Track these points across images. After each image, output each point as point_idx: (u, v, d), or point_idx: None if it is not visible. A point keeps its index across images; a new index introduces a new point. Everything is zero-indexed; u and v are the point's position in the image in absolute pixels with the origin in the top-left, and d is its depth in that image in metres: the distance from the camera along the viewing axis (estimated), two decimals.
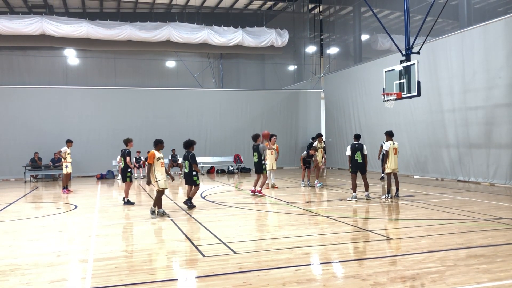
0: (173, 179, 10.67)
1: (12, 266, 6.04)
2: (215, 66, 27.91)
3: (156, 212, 9.87)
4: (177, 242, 7.36)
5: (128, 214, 10.60)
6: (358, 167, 11.85)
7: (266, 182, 14.47)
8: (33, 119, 21.82)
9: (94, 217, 10.21)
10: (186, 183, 11.29)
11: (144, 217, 9.97)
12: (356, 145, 11.89)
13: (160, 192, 9.91)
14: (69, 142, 15.44)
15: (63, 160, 15.46)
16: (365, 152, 11.93)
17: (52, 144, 21.50)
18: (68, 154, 15.32)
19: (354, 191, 11.86)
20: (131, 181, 12.27)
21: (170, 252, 6.72)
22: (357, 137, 12.20)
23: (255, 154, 13.45)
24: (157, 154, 9.96)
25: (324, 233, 7.87)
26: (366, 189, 12.00)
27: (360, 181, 12.03)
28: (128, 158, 12.27)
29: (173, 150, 22.32)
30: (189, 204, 11.04)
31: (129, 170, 12.26)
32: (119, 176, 21.14)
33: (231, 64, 28.49)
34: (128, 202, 11.95)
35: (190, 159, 10.91)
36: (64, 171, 15.41)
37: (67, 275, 5.76)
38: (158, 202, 9.89)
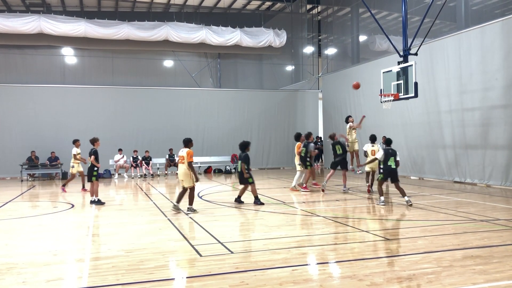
0: (197, 178, 10.42)
1: (8, 265, 6.02)
2: (213, 66, 27.90)
3: (192, 209, 10.20)
4: (174, 241, 7.36)
5: (126, 213, 10.59)
6: (391, 173, 11.18)
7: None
8: (30, 117, 21.77)
9: (91, 216, 10.20)
10: (240, 183, 11.75)
11: (142, 216, 9.97)
12: (390, 151, 11.30)
13: (193, 189, 10.27)
14: (76, 142, 15.24)
15: (73, 160, 15.19)
16: (398, 158, 11.47)
17: (49, 143, 21.48)
18: (78, 154, 15.12)
19: (382, 195, 11.24)
20: (97, 180, 12.02)
21: (167, 252, 6.71)
22: (389, 142, 11.71)
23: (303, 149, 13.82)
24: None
25: (321, 234, 7.88)
26: (404, 195, 11.11)
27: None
28: (93, 157, 12.08)
29: (171, 150, 22.29)
30: (257, 201, 11.45)
31: (95, 169, 12.00)
32: (116, 175, 21.24)
33: (229, 64, 28.49)
34: (98, 202, 11.72)
35: (243, 159, 11.40)
36: (70, 170, 15.34)
37: (63, 274, 5.75)
38: (192, 198, 10.25)
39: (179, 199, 10.37)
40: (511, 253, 6.26)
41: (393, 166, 11.17)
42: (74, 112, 22.38)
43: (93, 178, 11.95)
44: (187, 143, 10.32)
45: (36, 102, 21.94)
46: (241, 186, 11.82)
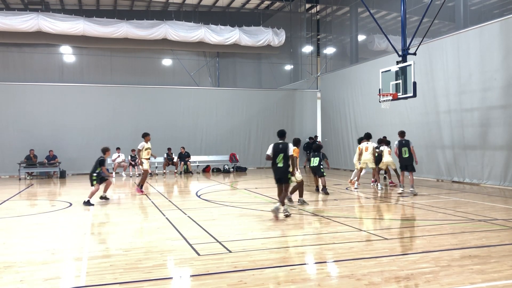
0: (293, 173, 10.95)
1: (6, 264, 6.01)
2: (212, 65, 27.88)
3: (302, 200, 11.01)
4: (172, 240, 7.35)
5: (124, 212, 10.57)
6: (404, 162, 12.53)
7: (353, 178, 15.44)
8: (29, 116, 21.73)
9: (88, 215, 10.19)
10: (316, 176, 13.16)
11: (140, 215, 9.95)
12: (403, 142, 12.56)
13: (302, 183, 10.98)
14: (146, 136, 14.08)
15: (139, 158, 14.04)
16: (411, 145, 12.68)
17: (47, 141, 21.44)
18: (146, 149, 13.95)
19: (402, 182, 12.94)
20: (98, 183, 11.91)
21: (165, 251, 6.70)
22: (403, 134, 12.85)
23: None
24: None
25: (319, 233, 7.88)
26: (411, 185, 12.71)
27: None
28: (104, 168, 12.03)
29: (169, 149, 22.28)
30: (325, 191, 12.94)
31: (94, 174, 11.88)
32: (114, 174, 21.21)
33: (228, 63, 28.47)
34: (88, 203, 11.56)
35: (322, 155, 12.88)
36: (141, 167, 14.20)
37: (61, 273, 5.73)
38: (302, 191, 11.02)
39: (292, 193, 11.13)
40: (509, 253, 6.27)
41: (405, 155, 12.40)
42: (72, 110, 22.35)
43: (94, 182, 11.86)
44: (297, 143, 10.75)
45: (34, 100, 21.89)
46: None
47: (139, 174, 21.21)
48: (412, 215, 10.01)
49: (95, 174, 11.91)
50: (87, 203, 11.58)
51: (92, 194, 11.77)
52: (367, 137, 14.58)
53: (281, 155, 9.27)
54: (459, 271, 5.47)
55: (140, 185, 13.85)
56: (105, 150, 12.28)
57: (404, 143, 12.60)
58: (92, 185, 11.92)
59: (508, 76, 13.93)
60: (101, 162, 11.97)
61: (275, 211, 9.13)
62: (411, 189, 12.72)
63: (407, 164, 12.61)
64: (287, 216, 9.23)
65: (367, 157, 14.24)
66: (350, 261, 5.98)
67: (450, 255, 6.21)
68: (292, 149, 9.32)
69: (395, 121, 18.70)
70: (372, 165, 14.30)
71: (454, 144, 16.06)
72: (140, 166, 14.22)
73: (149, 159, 14.17)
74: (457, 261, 5.92)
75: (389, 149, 14.46)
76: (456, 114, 15.93)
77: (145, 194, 13.52)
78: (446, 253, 6.31)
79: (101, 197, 12.33)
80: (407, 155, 12.47)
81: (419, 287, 4.98)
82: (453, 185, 15.39)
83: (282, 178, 9.40)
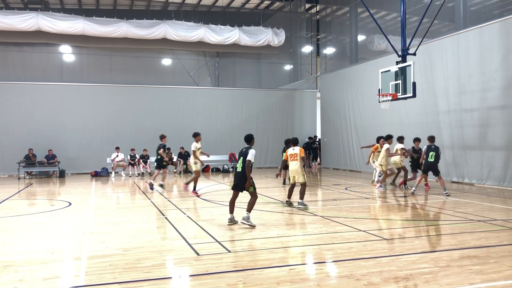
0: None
1: (5, 263, 6.01)
2: (211, 65, 27.88)
3: (303, 203, 10.50)
4: (172, 240, 7.35)
5: (124, 212, 10.57)
6: (428, 165, 12.69)
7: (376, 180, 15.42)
8: (28, 115, 21.71)
9: (88, 214, 10.18)
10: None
11: (140, 215, 9.95)
12: (432, 147, 12.74)
13: (305, 185, 10.61)
14: (197, 136, 13.61)
15: (193, 157, 13.52)
16: (440, 152, 12.85)
17: (46, 140, 21.43)
18: (198, 149, 13.55)
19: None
20: (165, 167, 14.89)
21: (164, 250, 6.70)
22: (432, 139, 12.98)
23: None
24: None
25: (318, 233, 7.88)
26: (443, 186, 12.67)
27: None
28: (161, 150, 14.49)
29: (168, 149, 22.23)
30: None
31: (164, 160, 14.63)
32: (114, 174, 21.21)
33: (227, 63, 28.46)
34: (161, 186, 14.52)
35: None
36: (194, 168, 13.62)
37: (60, 272, 5.73)
38: (303, 193, 10.57)
39: (289, 195, 10.87)
40: (508, 253, 6.28)
41: (430, 160, 12.57)
42: (72, 110, 22.34)
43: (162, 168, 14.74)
44: (296, 142, 10.78)
45: (34, 99, 21.88)
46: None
47: (138, 174, 21.23)
48: (412, 215, 10.01)
49: (164, 160, 14.50)
50: (159, 186, 14.31)
51: (160, 177, 14.73)
52: (389, 138, 14.78)
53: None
54: (458, 272, 5.47)
55: (193, 187, 13.54)
56: (162, 137, 14.65)
57: (433, 148, 12.75)
58: (158, 168, 14.68)
59: (508, 77, 13.93)
60: (158, 148, 14.30)
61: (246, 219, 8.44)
62: (445, 192, 12.61)
63: (430, 168, 12.72)
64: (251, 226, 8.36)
65: (396, 159, 14.48)
66: (349, 261, 5.98)
67: (449, 255, 6.22)
68: (252, 154, 8.56)
69: (395, 121, 18.71)
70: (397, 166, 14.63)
71: (454, 145, 16.07)
72: (192, 166, 13.61)
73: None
74: (456, 261, 5.92)
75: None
76: (455, 114, 15.93)
77: (199, 196, 13.12)
78: (445, 254, 6.32)
79: (160, 185, 14.54)
80: (432, 160, 12.61)
81: (418, 287, 4.98)
82: (452, 186, 15.39)
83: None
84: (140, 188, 15.82)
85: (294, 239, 7.46)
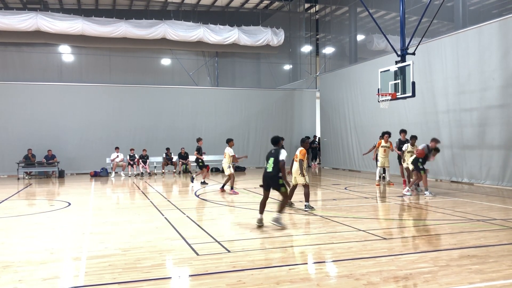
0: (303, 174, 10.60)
1: (4, 264, 6.00)
2: (211, 65, 27.87)
3: (310, 206, 10.24)
4: (171, 240, 7.35)
5: (123, 212, 10.57)
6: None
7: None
8: (27, 115, 21.71)
9: (87, 214, 10.18)
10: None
11: (139, 215, 9.95)
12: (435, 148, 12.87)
13: (308, 186, 10.32)
14: (230, 141, 14.14)
15: (230, 160, 13.97)
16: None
17: (46, 141, 21.43)
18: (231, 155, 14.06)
19: (427, 188, 12.68)
20: (204, 167, 16.59)
21: (164, 251, 6.70)
22: (436, 141, 12.99)
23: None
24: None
25: (317, 233, 7.89)
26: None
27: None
28: (195, 152, 16.36)
29: (168, 149, 22.28)
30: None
31: (199, 161, 16.39)
32: (113, 174, 21.21)
33: (227, 63, 28.45)
34: (203, 182, 16.22)
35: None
36: (227, 172, 13.97)
37: (60, 272, 5.73)
38: (308, 195, 10.26)
39: (290, 196, 10.45)
40: (507, 253, 6.28)
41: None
42: (71, 110, 22.34)
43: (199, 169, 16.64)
44: (302, 142, 10.55)
45: (33, 100, 21.87)
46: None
47: (138, 174, 21.21)
48: (411, 215, 10.02)
49: (200, 161, 16.32)
50: (203, 183, 16.07)
51: (202, 175, 16.51)
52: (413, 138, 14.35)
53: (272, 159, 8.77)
54: (457, 271, 5.47)
55: (231, 186, 13.79)
56: (198, 140, 16.62)
57: (436, 149, 12.91)
58: (200, 168, 16.52)
59: (507, 76, 13.94)
60: (197, 149, 16.14)
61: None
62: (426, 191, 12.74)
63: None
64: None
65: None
66: (349, 261, 5.99)
67: (449, 255, 6.22)
68: (284, 155, 8.76)
69: (394, 121, 18.70)
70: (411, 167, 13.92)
71: (453, 144, 16.08)
72: (226, 170, 13.95)
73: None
74: (455, 261, 5.92)
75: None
76: (454, 114, 15.94)
77: (237, 193, 13.52)
78: (444, 253, 6.32)
79: (202, 182, 16.15)
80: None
81: (417, 286, 4.98)
82: (452, 185, 15.41)
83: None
84: (139, 188, 15.82)
85: (294, 238, 7.46)
